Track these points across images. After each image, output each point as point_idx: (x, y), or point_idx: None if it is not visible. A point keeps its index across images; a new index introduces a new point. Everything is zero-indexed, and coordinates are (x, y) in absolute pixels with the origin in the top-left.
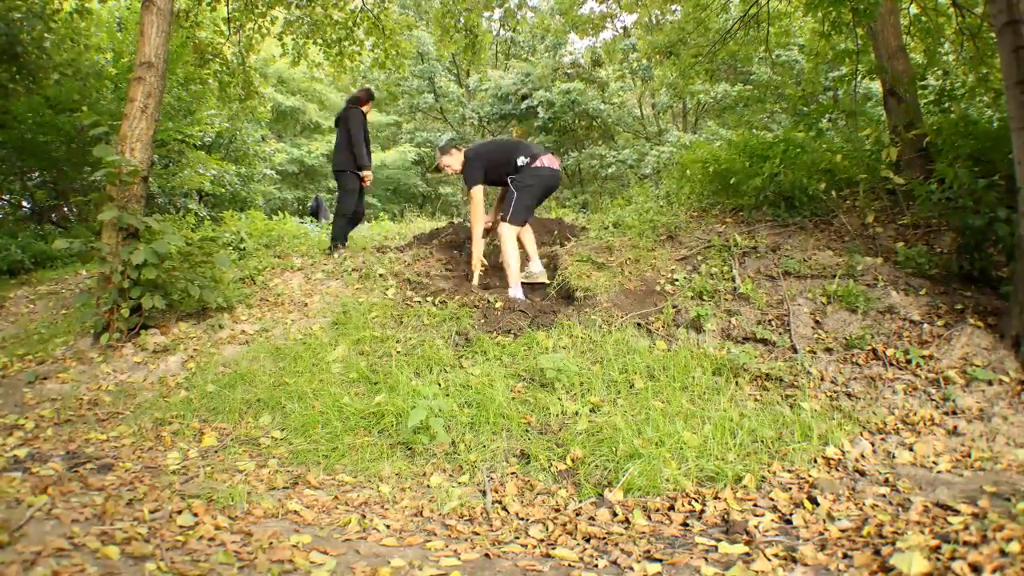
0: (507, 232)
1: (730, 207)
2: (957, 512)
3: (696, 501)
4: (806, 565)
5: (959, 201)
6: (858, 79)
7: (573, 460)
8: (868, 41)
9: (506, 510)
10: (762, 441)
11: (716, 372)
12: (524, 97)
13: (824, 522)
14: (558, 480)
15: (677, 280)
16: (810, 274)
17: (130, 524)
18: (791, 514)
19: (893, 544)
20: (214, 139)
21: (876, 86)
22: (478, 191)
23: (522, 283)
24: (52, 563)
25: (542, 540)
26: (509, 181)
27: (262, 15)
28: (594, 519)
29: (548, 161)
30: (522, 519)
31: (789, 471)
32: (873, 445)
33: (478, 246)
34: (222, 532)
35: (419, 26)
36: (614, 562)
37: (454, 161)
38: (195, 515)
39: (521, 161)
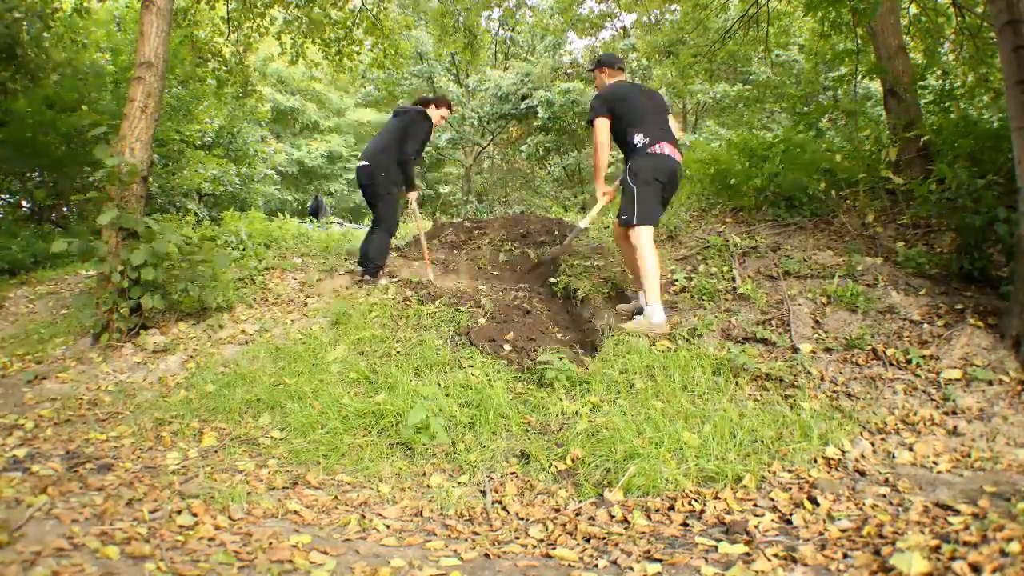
0: (644, 236)
1: (730, 207)
2: (957, 512)
3: (696, 501)
4: (806, 565)
5: (959, 201)
6: (858, 79)
7: (573, 460)
8: (868, 41)
9: (506, 510)
10: (762, 441)
11: (716, 372)
12: (524, 97)
13: (824, 522)
14: (558, 480)
15: (677, 280)
16: (810, 274)
17: (130, 524)
18: (791, 514)
19: (893, 544)
20: (214, 138)
21: (876, 86)
22: (599, 123)
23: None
24: (52, 563)
25: (542, 540)
26: (628, 164)
27: (260, 15)
28: (594, 519)
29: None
30: (522, 519)
31: (789, 471)
32: (873, 445)
33: (600, 180)
34: (222, 532)
35: (418, 26)
36: (614, 562)
37: (598, 82)
38: (195, 515)
39: (638, 138)
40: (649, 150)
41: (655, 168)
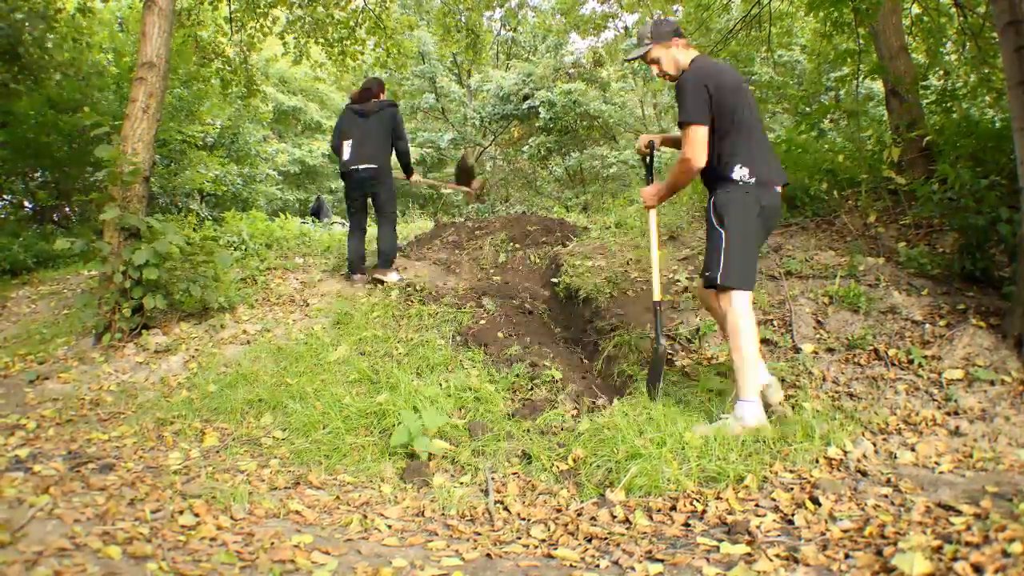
0: (737, 302)
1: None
2: (959, 513)
3: (698, 501)
4: (808, 565)
5: (961, 201)
6: (860, 79)
7: (575, 460)
8: (870, 41)
9: (508, 510)
10: (764, 441)
11: (718, 372)
12: (526, 97)
13: (826, 522)
14: (560, 480)
15: (679, 280)
16: (812, 274)
17: (132, 524)
18: (793, 514)
19: (895, 544)
20: (216, 139)
21: (878, 86)
22: (699, 133)
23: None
24: (54, 563)
25: (544, 540)
26: (712, 199)
27: (263, 15)
28: (596, 519)
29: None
30: (524, 519)
31: (791, 471)
32: (875, 445)
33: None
34: (224, 532)
35: (420, 26)
36: (616, 562)
37: (667, 58)
38: (197, 515)
39: (739, 173)
40: (753, 182)
41: (757, 202)
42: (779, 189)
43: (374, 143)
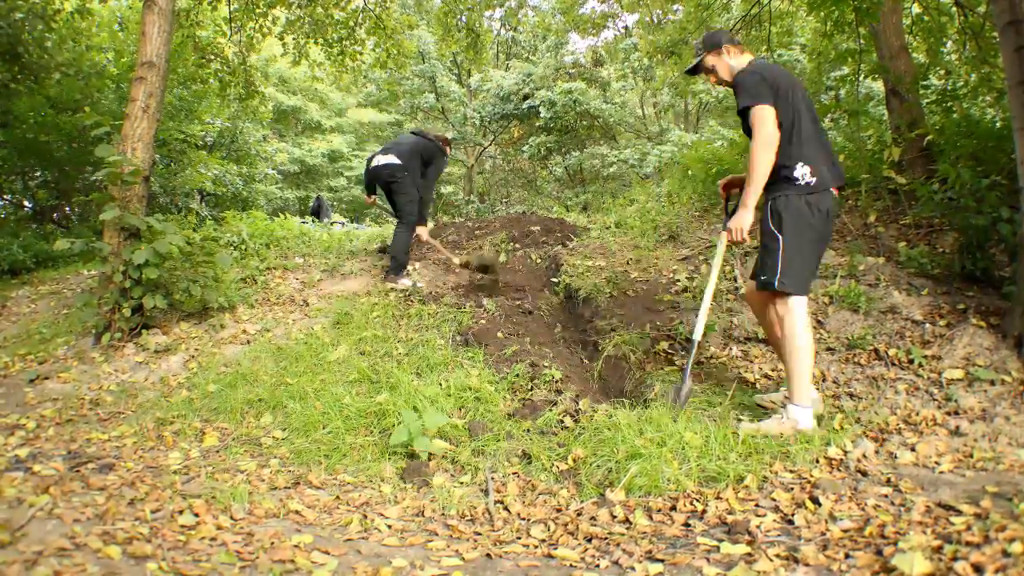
0: (795, 307)
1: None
2: (959, 512)
3: (698, 501)
4: (808, 565)
5: (961, 201)
6: (860, 79)
7: (575, 460)
8: (870, 41)
9: (508, 510)
10: (764, 440)
11: (718, 371)
12: (526, 97)
13: (826, 522)
14: (560, 480)
15: (679, 280)
16: None
17: (132, 524)
18: (793, 514)
19: (895, 544)
20: (216, 139)
21: (878, 86)
22: (767, 113)
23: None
24: (54, 563)
25: (544, 540)
26: (770, 203)
27: (263, 15)
28: (596, 519)
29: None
30: (524, 519)
31: (791, 471)
32: (878, 444)
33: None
34: (224, 532)
35: (420, 25)
36: (616, 562)
37: (721, 65)
38: (196, 515)
39: (800, 172)
40: (814, 184)
41: (816, 206)
42: (835, 191)
43: (401, 148)
